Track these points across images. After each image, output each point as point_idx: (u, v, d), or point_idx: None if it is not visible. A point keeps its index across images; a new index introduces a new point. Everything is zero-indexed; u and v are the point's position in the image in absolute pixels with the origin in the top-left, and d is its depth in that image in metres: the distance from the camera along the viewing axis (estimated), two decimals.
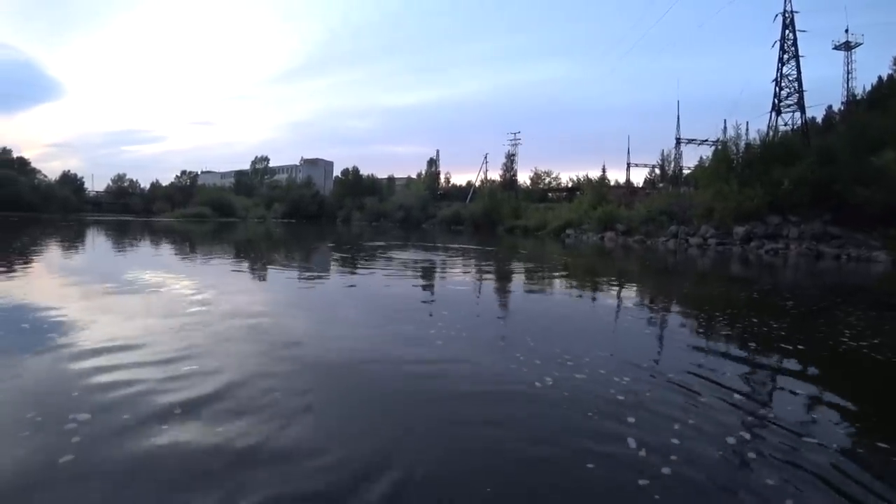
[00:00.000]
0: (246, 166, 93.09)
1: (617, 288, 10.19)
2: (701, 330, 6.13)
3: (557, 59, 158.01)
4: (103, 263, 12.06)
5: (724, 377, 3.89)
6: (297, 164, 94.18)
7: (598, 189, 39.79)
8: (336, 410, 3.07)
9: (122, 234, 24.65)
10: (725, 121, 34.86)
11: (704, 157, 41.58)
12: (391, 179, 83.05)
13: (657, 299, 9.09)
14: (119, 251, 16.12)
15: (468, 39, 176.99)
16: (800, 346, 5.11)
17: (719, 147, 32.31)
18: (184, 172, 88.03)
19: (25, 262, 10.73)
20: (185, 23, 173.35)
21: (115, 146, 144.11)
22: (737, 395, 3.47)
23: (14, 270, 9.18)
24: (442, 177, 77.08)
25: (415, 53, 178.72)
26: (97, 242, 19.92)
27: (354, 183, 75.27)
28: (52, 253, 14.05)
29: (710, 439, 2.71)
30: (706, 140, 43.07)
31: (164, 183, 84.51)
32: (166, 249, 17.10)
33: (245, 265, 12.72)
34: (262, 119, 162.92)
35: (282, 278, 10.27)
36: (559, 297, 8.76)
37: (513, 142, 62.62)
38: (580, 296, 8.76)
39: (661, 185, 50.45)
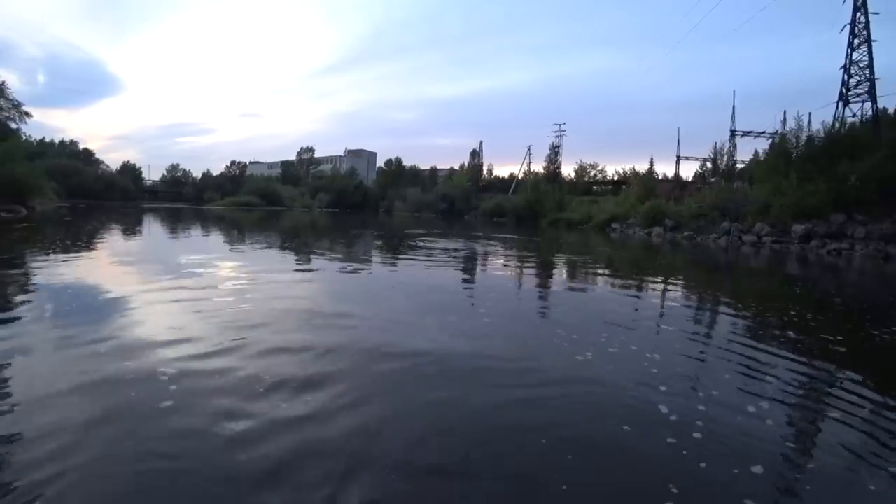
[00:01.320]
0: (292, 157, 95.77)
1: (661, 283, 9.94)
2: (743, 322, 6.08)
3: (606, 50, 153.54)
4: (168, 248, 13.08)
5: (757, 363, 4.21)
6: (342, 154, 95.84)
7: (646, 182, 38.64)
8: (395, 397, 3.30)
9: (178, 221, 26.17)
10: (785, 112, 33.16)
11: (761, 151, 39.84)
12: (434, 170, 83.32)
13: (704, 294, 8.85)
14: (178, 237, 17.21)
15: (513, 30, 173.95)
16: (839, 340, 5.10)
17: (778, 139, 30.70)
18: (233, 163, 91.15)
19: (103, 246, 11.80)
20: (235, 19, 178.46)
21: (170, 138, 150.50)
22: (766, 376, 3.89)
23: (96, 250, 10.14)
24: (485, 168, 76.67)
25: (458, 45, 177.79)
26: (159, 228, 21.29)
27: (397, 173, 76.02)
28: (122, 237, 15.42)
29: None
30: (763, 132, 41.03)
31: (215, 173, 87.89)
32: (222, 236, 18.03)
33: (294, 252, 13.21)
34: (307, 111, 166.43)
35: (327, 265, 10.59)
36: (601, 289, 8.61)
37: (557, 133, 61.57)
38: (624, 289, 8.59)
39: (712, 179, 48.35)
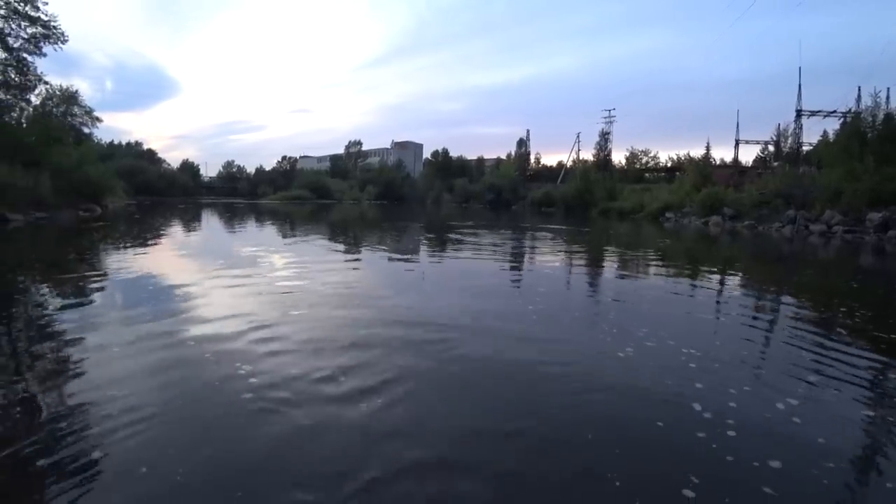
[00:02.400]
0: (340, 150, 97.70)
1: (716, 276, 9.50)
2: (798, 318, 5.80)
3: (659, 28, 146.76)
4: (227, 240, 13.82)
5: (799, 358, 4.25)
6: (388, 147, 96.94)
7: (702, 169, 36.72)
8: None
9: (234, 215, 27.47)
10: (860, 88, 30.54)
11: (830, 132, 37.03)
12: (480, 161, 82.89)
13: (761, 288, 8.38)
14: (235, 230, 18.10)
15: (560, 13, 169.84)
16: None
17: (850, 119, 28.45)
18: (284, 158, 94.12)
19: (170, 239, 12.70)
20: (283, 19, 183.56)
21: (224, 136, 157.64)
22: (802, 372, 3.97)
23: (165, 243, 11.01)
24: (532, 157, 75.62)
25: (504, 32, 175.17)
26: (218, 222, 22.45)
27: (444, 164, 76.13)
28: (185, 231, 16.38)
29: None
30: (834, 111, 37.86)
31: (267, 168, 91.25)
32: (276, 228, 18.76)
33: (346, 244, 13.54)
34: (354, 105, 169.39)
35: (373, 255, 10.85)
36: (658, 283, 8.30)
37: (607, 119, 59.64)
38: (675, 283, 8.25)
39: (775, 164, 45.43)
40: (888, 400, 3.54)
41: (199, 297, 6.10)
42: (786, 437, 2.81)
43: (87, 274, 7.78)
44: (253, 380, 3.42)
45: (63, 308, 5.55)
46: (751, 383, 3.67)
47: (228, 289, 6.61)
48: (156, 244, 12.72)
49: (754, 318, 6.13)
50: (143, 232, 16.25)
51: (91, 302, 5.91)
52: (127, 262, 8.80)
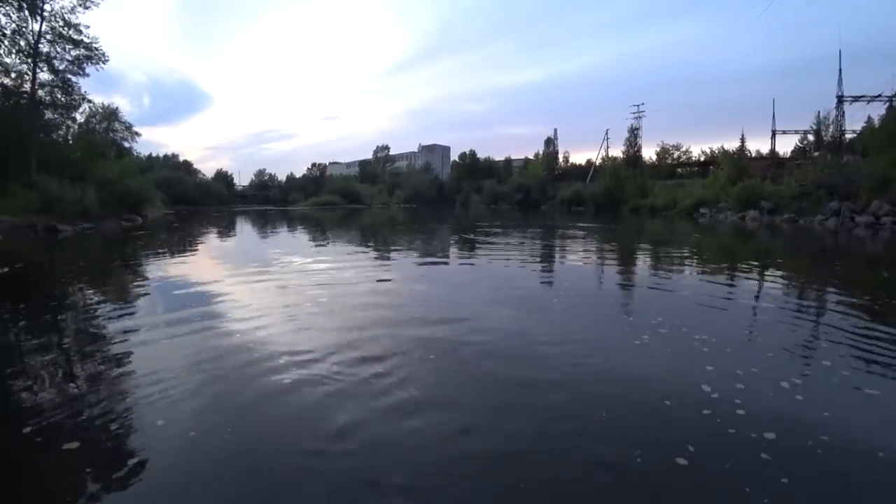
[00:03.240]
0: (369, 156, 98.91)
1: (759, 271, 9.19)
2: (843, 304, 5.41)
3: (687, 18, 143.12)
4: (261, 246, 14.26)
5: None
6: (416, 150, 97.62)
7: (737, 162, 35.51)
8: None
9: (267, 222, 28.17)
10: None
11: (876, 117, 35.35)
12: (508, 161, 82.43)
13: (800, 282, 8.04)
14: (268, 236, 18.56)
15: (584, 7, 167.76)
16: None
17: None
18: (314, 164, 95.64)
19: (208, 246, 13.21)
20: (309, 29, 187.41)
21: (256, 145, 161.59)
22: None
23: (203, 250, 11.44)
24: (560, 156, 74.72)
25: (528, 30, 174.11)
26: (251, 229, 23.06)
27: (472, 166, 76.14)
28: (222, 238, 16.95)
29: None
30: (879, 95, 36.06)
31: (298, 175, 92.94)
32: (307, 234, 19.18)
33: (376, 247, 13.71)
34: (381, 110, 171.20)
35: (404, 257, 10.93)
36: (691, 281, 8.11)
37: (636, 115, 58.32)
38: (709, 280, 8.03)
39: (815, 154, 43.56)
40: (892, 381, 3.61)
41: (235, 297, 6.42)
42: (787, 414, 2.95)
43: (132, 279, 8.28)
44: (282, 363, 3.70)
45: (111, 309, 5.90)
46: (759, 365, 3.81)
47: (262, 290, 6.93)
48: (195, 250, 13.39)
49: (792, 309, 5.92)
50: (182, 239, 17.01)
51: (136, 303, 6.27)
52: (168, 268, 9.35)
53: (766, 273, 9.25)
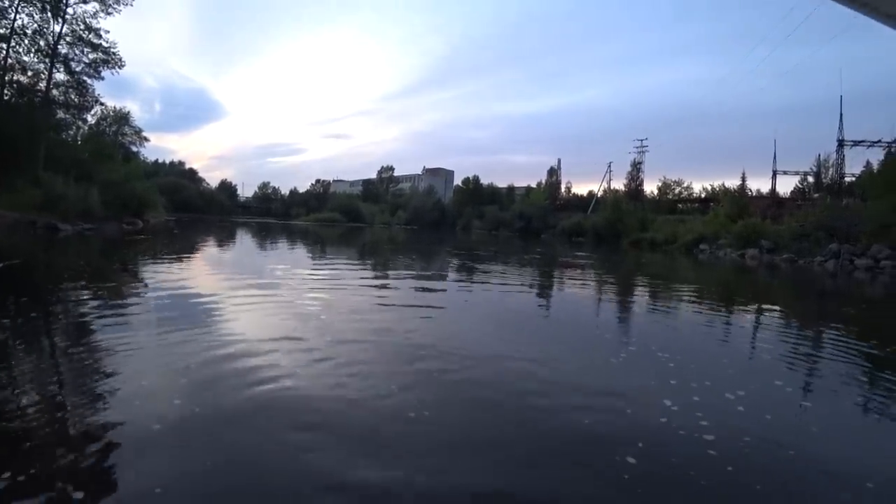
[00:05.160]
0: (373, 175, 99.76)
1: (754, 309, 9.17)
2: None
3: (693, 58, 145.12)
4: (259, 258, 14.39)
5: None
6: (420, 173, 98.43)
7: (738, 200, 35.88)
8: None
9: (268, 234, 28.20)
10: None
11: (875, 162, 35.79)
12: (511, 189, 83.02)
13: (804, 321, 8.02)
14: (267, 249, 18.61)
15: (592, 43, 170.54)
16: None
17: None
18: (318, 181, 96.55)
19: (206, 255, 13.13)
20: (322, 50, 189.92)
21: (263, 158, 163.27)
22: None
23: (202, 258, 11.28)
24: (563, 186, 75.12)
25: (536, 61, 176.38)
26: (251, 241, 23.11)
27: (474, 191, 76.64)
28: (221, 248, 16.94)
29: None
30: (878, 141, 36.76)
31: (301, 190, 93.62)
32: (306, 249, 19.22)
33: (375, 269, 13.70)
34: (387, 131, 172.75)
35: (406, 285, 10.89)
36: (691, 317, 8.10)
37: (639, 149, 59.06)
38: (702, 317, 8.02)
39: (815, 195, 43.96)
40: (829, 393, 4.16)
41: (229, 308, 6.15)
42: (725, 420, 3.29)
43: (129, 282, 8.08)
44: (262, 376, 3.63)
45: (105, 312, 5.69)
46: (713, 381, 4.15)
47: (255, 303, 6.64)
48: (194, 258, 13.25)
49: (771, 341, 5.90)
50: (182, 247, 16.85)
51: (131, 308, 6.08)
52: (167, 274, 9.12)
53: (763, 309, 9.25)
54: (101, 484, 2.12)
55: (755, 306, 9.62)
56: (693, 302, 9.53)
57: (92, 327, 4.88)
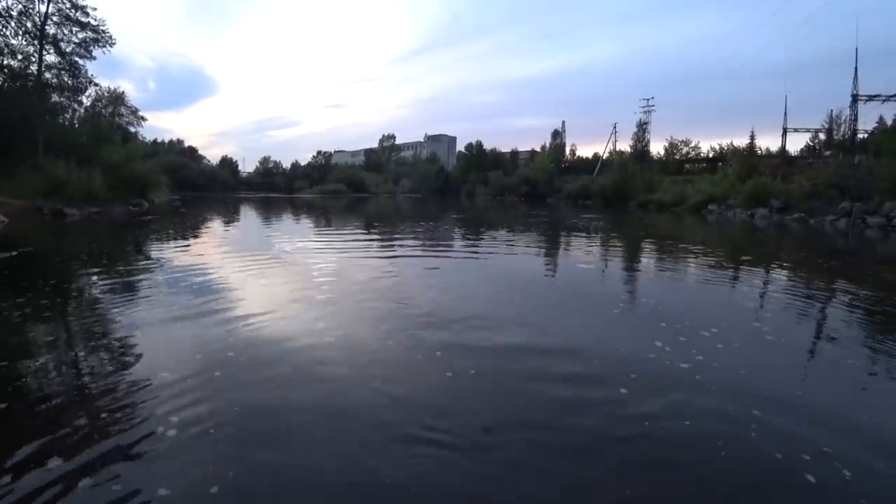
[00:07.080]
0: (375, 145, 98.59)
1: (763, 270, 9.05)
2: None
3: (700, 13, 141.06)
4: (266, 232, 14.14)
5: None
6: (422, 140, 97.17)
7: (747, 159, 35.13)
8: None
9: (272, 209, 28.15)
10: None
11: (889, 118, 34.85)
12: (515, 153, 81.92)
13: (811, 279, 7.90)
14: (272, 223, 18.45)
15: None
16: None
17: None
18: (319, 152, 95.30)
19: (216, 231, 13.21)
20: (318, 15, 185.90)
21: (262, 132, 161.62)
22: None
23: (212, 235, 11.40)
24: (567, 149, 73.97)
25: (539, 20, 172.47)
26: (256, 216, 23.00)
27: (478, 157, 75.65)
28: (228, 224, 16.90)
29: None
30: (894, 95, 35.72)
31: (303, 163, 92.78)
32: (314, 221, 19.10)
33: (377, 233, 13.64)
34: (388, 99, 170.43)
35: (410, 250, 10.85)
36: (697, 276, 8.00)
37: (645, 109, 57.70)
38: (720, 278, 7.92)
39: (826, 153, 43.00)
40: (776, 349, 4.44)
41: (240, 282, 6.68)
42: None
43: (146, 264, 8.39)
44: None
45: (122, 292, 5.94)
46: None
47: (266, 276, 7.21)
48: (204, 236, 13.54)
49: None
50: (191, 224, 17.15)
51: (148, 286, 6.33)
52: (178, 252, 9.62)
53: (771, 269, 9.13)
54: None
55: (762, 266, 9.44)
56: (699, 265, 9.40)
57: (114, 307, 5.21)
